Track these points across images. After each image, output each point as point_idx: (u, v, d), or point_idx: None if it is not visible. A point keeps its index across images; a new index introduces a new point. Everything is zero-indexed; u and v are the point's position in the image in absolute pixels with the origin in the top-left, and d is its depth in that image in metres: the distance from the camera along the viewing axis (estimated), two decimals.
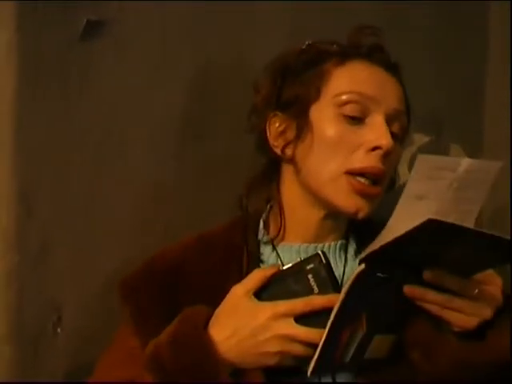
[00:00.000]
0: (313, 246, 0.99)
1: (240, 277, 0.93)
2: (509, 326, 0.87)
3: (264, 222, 1.03)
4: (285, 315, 0.85)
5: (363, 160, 0.94)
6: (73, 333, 1.10)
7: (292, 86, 1.00)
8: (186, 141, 1.22)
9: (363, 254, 0.85)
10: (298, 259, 0.89)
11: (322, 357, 0.83)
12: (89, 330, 1.12)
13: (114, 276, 1.09)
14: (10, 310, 1.04)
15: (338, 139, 0.95)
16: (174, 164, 1.21)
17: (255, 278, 0.88)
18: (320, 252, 0.87)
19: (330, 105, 0.97)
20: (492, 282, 0.87)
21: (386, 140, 0.93)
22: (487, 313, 0.86)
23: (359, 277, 0.82)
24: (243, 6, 1.23)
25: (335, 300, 0.82)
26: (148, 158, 1.18)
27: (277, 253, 0.99)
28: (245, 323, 0.86)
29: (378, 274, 0.83)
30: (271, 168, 1.03)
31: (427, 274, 0.84)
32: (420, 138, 1.45)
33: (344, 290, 0.82)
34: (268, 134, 1.01)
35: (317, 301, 0.85)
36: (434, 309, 0.86)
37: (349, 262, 1.01)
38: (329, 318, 0.82)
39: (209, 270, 0.98)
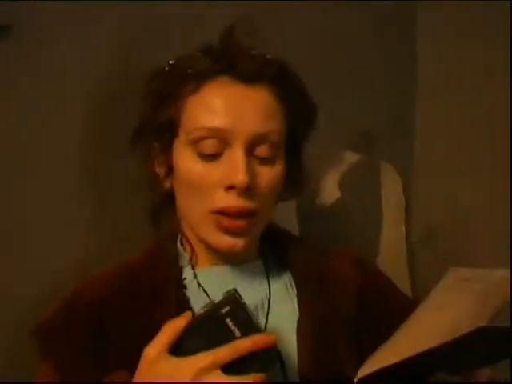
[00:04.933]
0: (229, 267, 0.94)
1: (168, 304, 0.88)
2: None
3: (182, 246, 0.96)
4: (210, 368, 0.75)
5: (222, 199, 0.88)
6: None
7: (159, 114, 0.92)
8: (105, 159, 1.13)
9: (361, 374, 0.80)
10: (209, 302, 0.80)
11: None
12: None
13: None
14: None
15: (196, 180, 0.89)
16: (95, 181, 1.13)
17: (167, 332, 0.77)
18: (234, 291, 0.79)
19: (185, 142, 0.90)
20: None
21: (239, 177, 0.87)
22: None
23: None
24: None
25: (261, 340, 0.76)
26: (68, 173, 1.11)
27: (195, 277, 0.94)
28: None
29: None
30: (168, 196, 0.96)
31: None
32: (350, 156, 1.42)
33: None
34: (151, 163, 0.95)
35: (242, 345, 0.76)
36: None
37: (272, 282, 0.95)
38: (258, 362, 0.76)
39: (135, 302, 0.90)
